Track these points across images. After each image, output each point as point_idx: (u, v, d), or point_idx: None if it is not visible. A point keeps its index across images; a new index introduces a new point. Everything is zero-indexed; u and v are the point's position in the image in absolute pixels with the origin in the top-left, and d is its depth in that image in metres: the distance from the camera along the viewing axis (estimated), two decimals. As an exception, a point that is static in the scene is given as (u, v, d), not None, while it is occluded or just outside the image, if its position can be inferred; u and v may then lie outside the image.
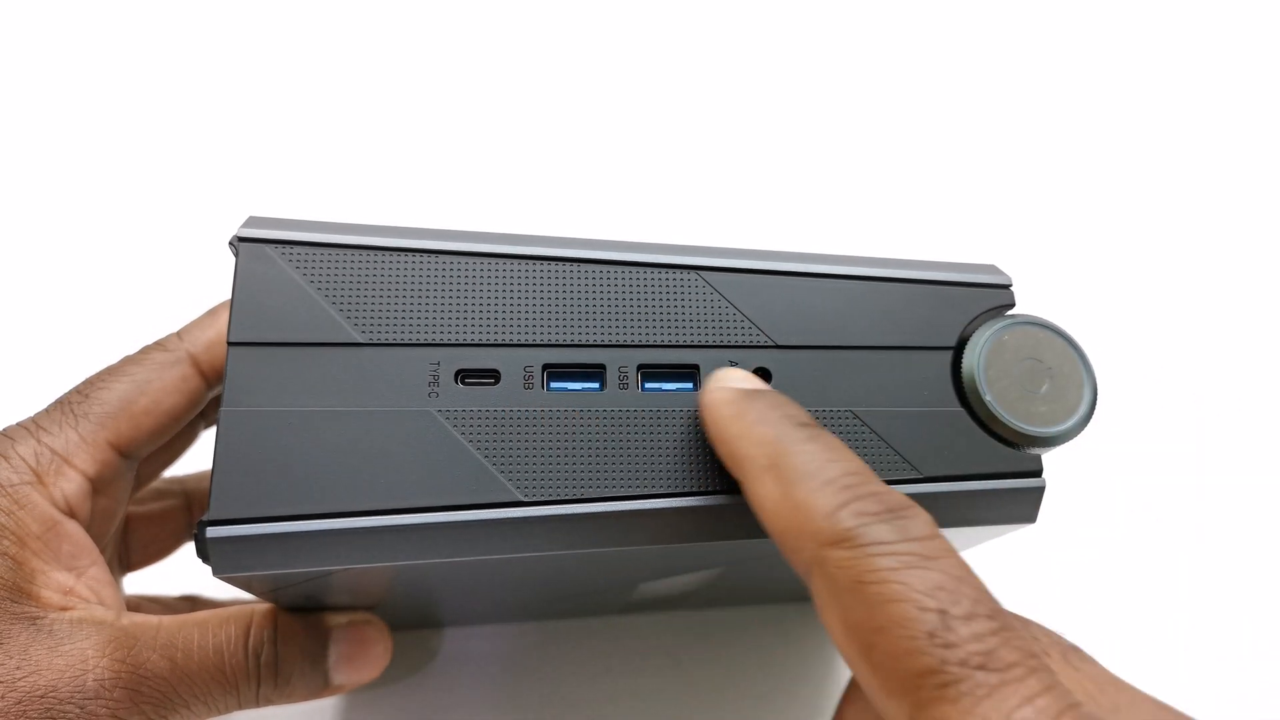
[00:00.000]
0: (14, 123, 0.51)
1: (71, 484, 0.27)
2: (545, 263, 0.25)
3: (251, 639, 0.27)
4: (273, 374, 0.23)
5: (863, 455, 0.24)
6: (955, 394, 0.25)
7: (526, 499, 0.23)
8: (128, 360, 0.29)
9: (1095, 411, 0.25)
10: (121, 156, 0.50)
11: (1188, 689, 0.38)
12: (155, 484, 0.34)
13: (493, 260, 0.25)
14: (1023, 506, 0.25)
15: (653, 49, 0.56)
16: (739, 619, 0.38)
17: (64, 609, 0.25)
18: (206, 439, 0.33)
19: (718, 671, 0.37)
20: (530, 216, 0.50)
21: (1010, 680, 0.17)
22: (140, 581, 0.34)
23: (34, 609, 0.25)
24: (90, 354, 0.31)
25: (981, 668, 0.17)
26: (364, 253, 0.24)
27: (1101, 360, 0.27)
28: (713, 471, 0.24)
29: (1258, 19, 0.58)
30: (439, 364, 0.24)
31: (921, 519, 0.19)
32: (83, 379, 0.28)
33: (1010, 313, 0.26)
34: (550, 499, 0.23)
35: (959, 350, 0.25)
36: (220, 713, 0.27)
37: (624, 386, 0.24)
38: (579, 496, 0.23)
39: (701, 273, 0.25)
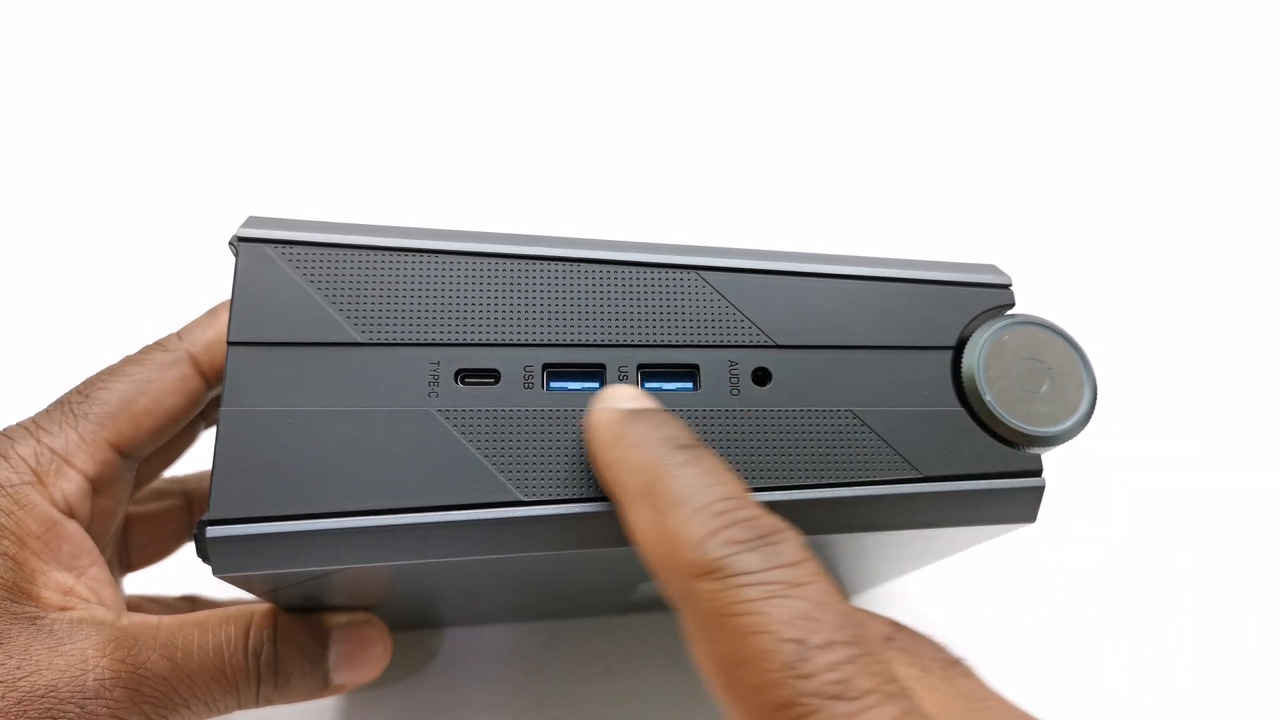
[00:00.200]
0: (14, 123, 0.51)
1: (71, 484, 0.27)
2: (545, 262, 0.25)
3: (251, 639, 0.27)
4: (273, 374, 0.23)
5: (862, 455, 0.24)
6: (955, 394, 0.25)
7: (526, 498, 0.23)
8: (128, 360, 0.29)
9: (1095, 411, 0.25)
10: (122, 157, 0.50)
11: (1188, 689, 0.38)
12: (155, 484, 0.34)
13: (493, 260, 0.25)
14: (1022, 506, 0.25)
15: (653, 49, 0.56)
16: (739, 619, 0.38)
17: (64, 609, 0.25)
18: (206, 439, 0.33)
19: (718, 671, 0.37)
20: (530, 216, 0.50)
21: (865, 708, 0.17)
22: (140, 582, 0.34)
23: (34, 609, 0.25)
24: (90, 354, 0.31)
25: (836, 697, 0.17)
26: (364, 252, 0.24)
27: (1101, 360, 0.27)
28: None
29: (1258, 19, 0.58)
30: (439, 364, 0.24)
31: (791, 544, 0.19)
32: (83, 379, 0.28)
33: (1010, 312, 0.26)
34: (550, 498, 0.23)
35: (959, 350, 0.25)
36: (220, 712, 0.27)
37: (624, 386, 0.24)
38: (579, 496, 0.23)
39: (701, 272, 0.25)
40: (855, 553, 0.28)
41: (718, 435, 0.24)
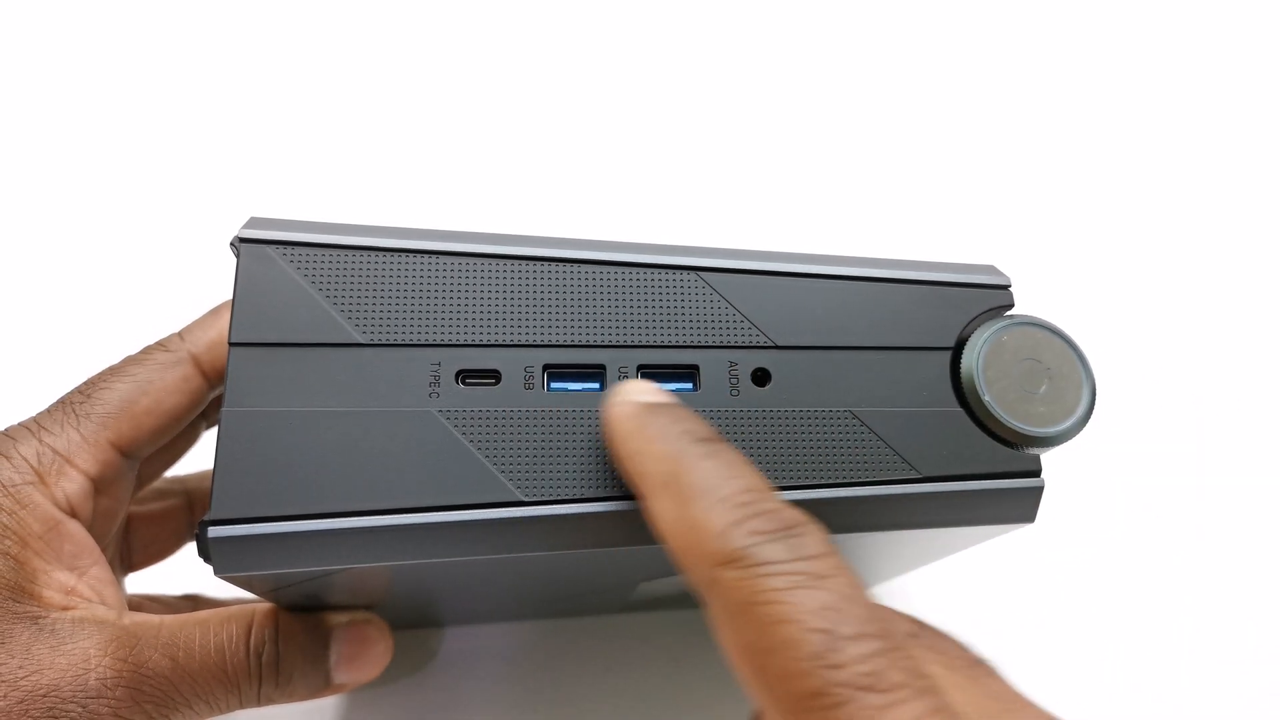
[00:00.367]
0: (15, 123, 0.51)
1: (73, 484, 0.27)
2: (546, 263, 0.25)
3: (253, 638, 0.27)
4: (274, 374, 0.23)
5: (862, 456, 0.24)
6: (954, 394, 0.25)
7: (527, 499, 0.23)
8: (129, 360, 0.29)
9: (1094, 412, 0.25)
10: (123, 157, 0.50)
11: (1188, 689, 0.38)
12: (157, 484, 0.34)
13: (493, 261, 0.25)
14: (1021, 506, 0.25)
15: (653, 49, 0.56)
16: (739, 619, 0.38)
17: (66, 608, 0.26)
18: (208, 439, 0.34)
19: (718, 671, 0.37)
20: (531, 217, 0.50)
21: (896, 702, 0.17)
22: (142, 581, 0.34)
23: (36, 608, 0.25)
24: (92, 354, 0.31)
25: (868, 689, 0.17)
26: (365, 253, 0.24)
27: (1100, 361, 0.27)
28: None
29: (1258, 19, 0.58)
30: (440, 364, 0.24)
31: (815, 536, 0.19)
32: (84, 379, 0.28)
33: (1009, 313, 0.26)
34: (550, 499, 0.23)
35: (958, 350, 0.25)
36: (221, 712, 0.27)
37: (624, 387, 0.24)
38: (579, 496, 0.23)
39: (701, 273, 0.25)
40: (855, 552, 0.28)
41: (717, 435, 0.24)
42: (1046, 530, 0.38)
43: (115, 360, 0.29)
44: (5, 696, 0.23)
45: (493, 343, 0.24)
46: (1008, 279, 0.27)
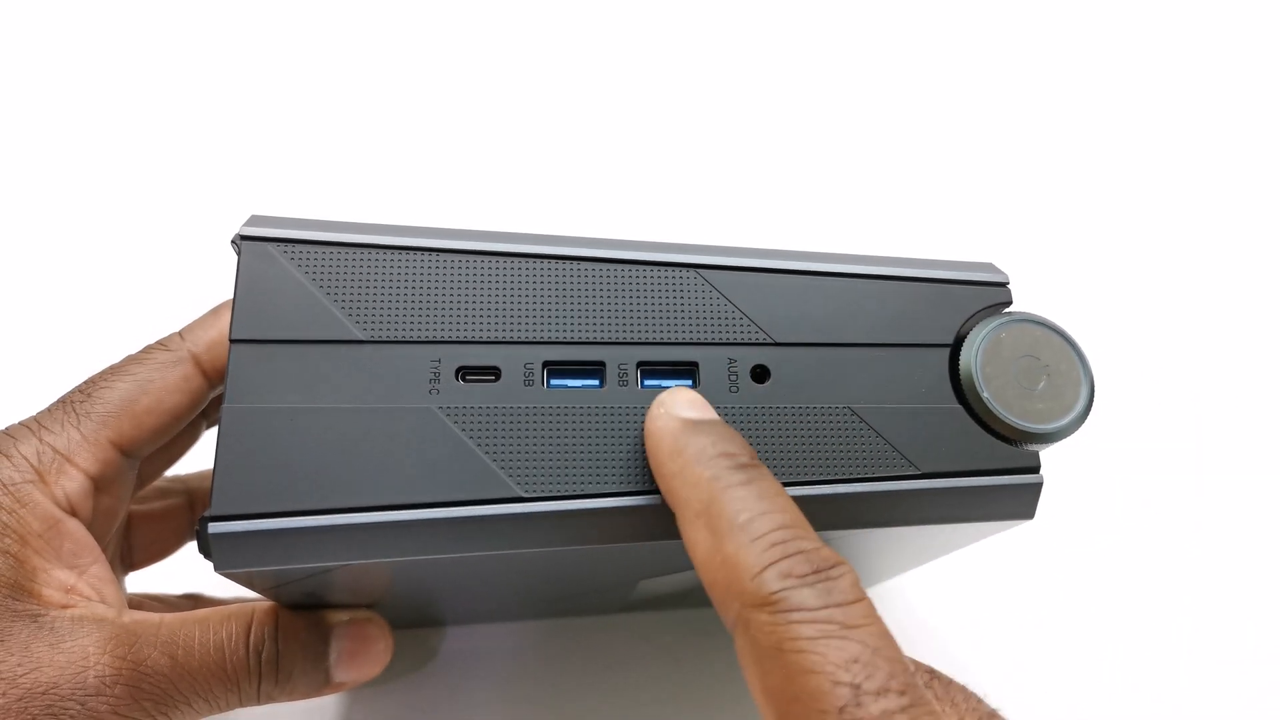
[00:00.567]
0: (15, 123, 0.51)
1: (73, 482, 0.27)
2: (546, 261, 0.25)
3: (253, 636, 0.27)
4: (275, 371, 0.23)
5: (861, 452, 0.24)
6: (953, 391, 0.25)
7: (527, 495, 0.23)
8: (130, 359, 0.29)
9: (1092, 408, 0.25)
10: (123, 157, 0.51)
11: (1188, 688, 0.38)
12: (157, 483, 0.34)
13: (493, 259, 0.25)
14: (1021, 503, 0.25)
15: (653, 49, 0.56)
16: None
17: (65, 607, 0.26)
18: (208, 438, 0.34)
19: (718, 671, 0.37)
20: (530, 215, 0.50)
21: None
22: (142, 580, 0.34)
23: (35, 607, 0.25)
24: (92, 353, 0.31)
25: None
26: (365, 251, 0.25)
27: (1098, 357, 0.27)
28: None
29: (1258, 19, 0.58)
30: (440, 361, 0.24)
31: (847, 580, 0.19)
32: (85, 378, 0.28)
33: (1007, 310, 0.26)
34: (550, 495, 0.23)
35: (956, 347, 0.25)
36: (221, 710, 0.27)
37: (624, 384, 0.24)
38: (579, 493, 0.23)
39: (700, 271, 0.25)
40: (853, 550, 0.28)
41: (717, 432, 0.24)
42: (1045, 527, 0.38)
43: (116, 359, 0.29)
44: (4, 694, 0.23)
45: (493, 339, 0.24)
46: (1006, 276, 0.27)
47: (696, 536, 0.20)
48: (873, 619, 0.19)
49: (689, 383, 0.25)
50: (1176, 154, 0.54)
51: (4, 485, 0.26)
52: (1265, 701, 0.38)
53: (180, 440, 0.32)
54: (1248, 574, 0.41)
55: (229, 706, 0.27)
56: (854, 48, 0.57)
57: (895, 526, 0.25)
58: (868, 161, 0.53)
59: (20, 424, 0.27)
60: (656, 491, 0.23)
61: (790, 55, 0.57)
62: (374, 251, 0.25)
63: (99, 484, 0.27)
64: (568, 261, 0.25)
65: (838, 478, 0.24)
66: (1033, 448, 0.25)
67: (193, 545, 0.34)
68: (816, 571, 0.19)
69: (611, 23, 0.57)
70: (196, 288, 0.34)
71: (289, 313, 0.24)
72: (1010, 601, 0.40)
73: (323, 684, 0.28)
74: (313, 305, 0.24)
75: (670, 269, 0.25)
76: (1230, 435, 0.45)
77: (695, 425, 0.22)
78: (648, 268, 0.25)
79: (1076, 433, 0.25)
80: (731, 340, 0.25)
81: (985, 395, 0.25)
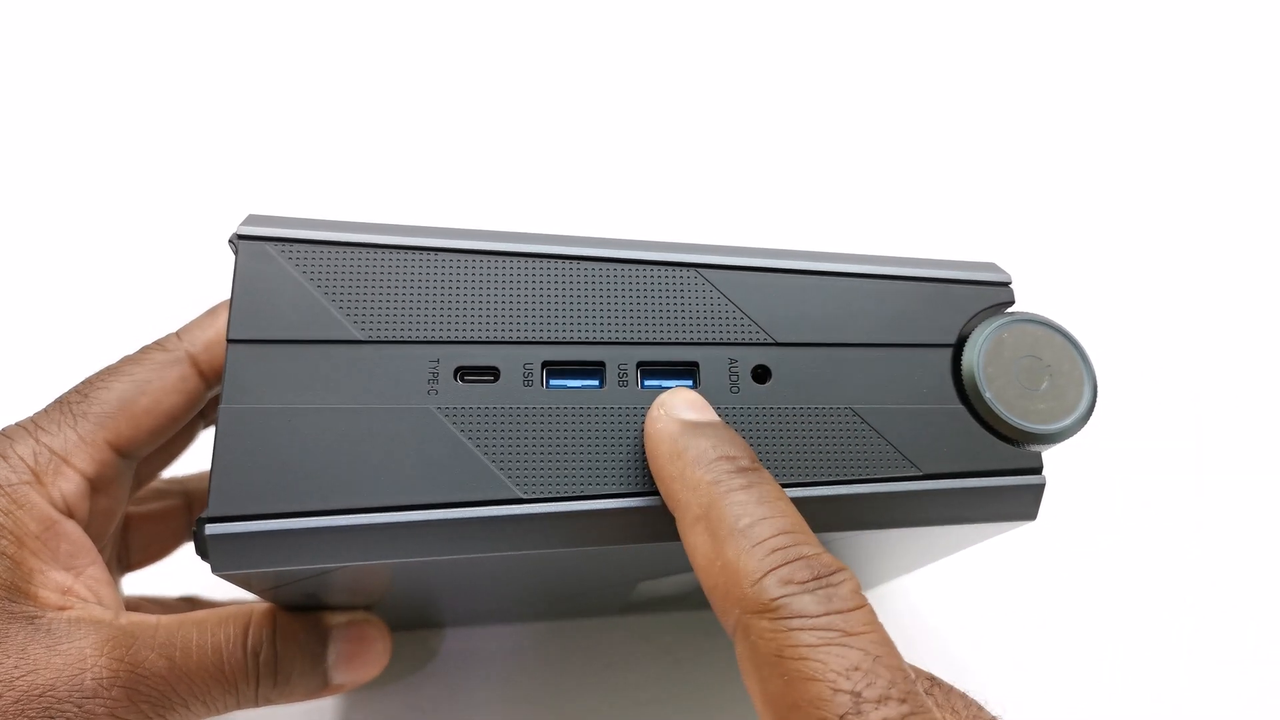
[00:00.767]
0: (14, 123, 0.51)
1: (70, 484, 0.27)
2: (545, 260, 0.25)
3: (250, 638, 0.26)
4: (272, 371, 0.23)
5: (862, 453, 0.24)
6: (955, 391, 0.25)
7: (526, 496, 0.23)
8: (127, 360, 0.29)
9: (1095, 409, 0.25)
10: (121, 156, 0.50)
11: (1188, 688, 0.38)
12: (154, 484, 0.34)
13: (493, 258, 0.25)
14: (1023, 504, 0.25)
15: (653, 48, 0.56)
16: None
17: (62, 608, 0.25)
18: (205, 439, 0.33)
19: (718, 671, 0.37)
20: (530, 215, 0.50)
21: None
22: (140, 582, 0.34)
23: (32, 608, 0.25)
24: (90, 354, 0.30)
25: None
26: (364, 250, 0.24)
27: (1101, 358, 0.27)
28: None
29: (1258, 19, 0.58)
30: (439, 361, 0.24)
31: (848, 586, 0.19)
32: (82, 379, 0.28)
33: (1010, 310, 0.26)
34: (549, 496, 0.23)
35: (959, 348, 0.25)
36: (219, 712, 0.27)
37: (623, 384, 0.24)
38: (578, 494, 0.23)
39: (701, 270, 0.25)
40: (855, 551, 0.28)
41: (717, 433, 0.24)
42: (1048, 528, 0.38)
43: (113, 360, 0.29)
44: (1, 696, 0.23)
45: (492, 339, 0.24)
46: (1008, 276, 0.26)
47: (696, 541, 0.20)
48: (874, 626, 0.19)
49: (689, 383, 0.24)
50: (1177, 154, 0.54)
51: (1, 487, 0.26)
52: (1265, 701, 0.38)
53: (177, 441, 0.32)
54: (1248, 574, 0.41)
55: (227, 709, 0.27)
56: (854, 47, 0.57)
57: (897, 528, 0.25)
58: (869, 161, 0.53)
59: (17, 425, 0.27)
60: (656, 493, 0.23)
61: (790, 55, 0.56)
62: (372, 251, 0.24)
63: (96, 485, 0.27)
64: (567, 261, 0.25)
65: (839, 479, 0.24)
66: (1035, 448, 0.25)
67: (190, 547, 0.34)
68: (817, 578, 0.19)
69: (611, 22, 0.57)
70: (194, 288, 0.34)
71: (287, 313, 0.23)
72: (1012, 603, 0.40)
73: (321, 686, 0.28)
74: (311, 305, 0.24)
75: (671, 268, 0.25)
76: (1230, 435, 0.45)
77: (695, 427, 0.22)
78: (648, 267, 0.25)
79: (1079, 433, 0.25)
80: (732, 340, 0.25)
81: (987, 395, 0.24)
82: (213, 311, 0.30)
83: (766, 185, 0.52)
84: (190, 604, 0.34)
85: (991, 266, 0.27)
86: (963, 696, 0.22)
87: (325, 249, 0.24)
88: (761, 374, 0.25)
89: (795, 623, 0.18)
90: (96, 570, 0.27)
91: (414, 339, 0.24)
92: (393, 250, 0.24)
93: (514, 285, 0.25)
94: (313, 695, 0.29)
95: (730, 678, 0.37)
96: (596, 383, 0.24)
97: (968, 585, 0.40)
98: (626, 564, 0.27)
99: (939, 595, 0.40)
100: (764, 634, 0.18)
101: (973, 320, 0.26)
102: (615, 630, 0.38)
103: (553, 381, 0.24)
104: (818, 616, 0.18)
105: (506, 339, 0.24)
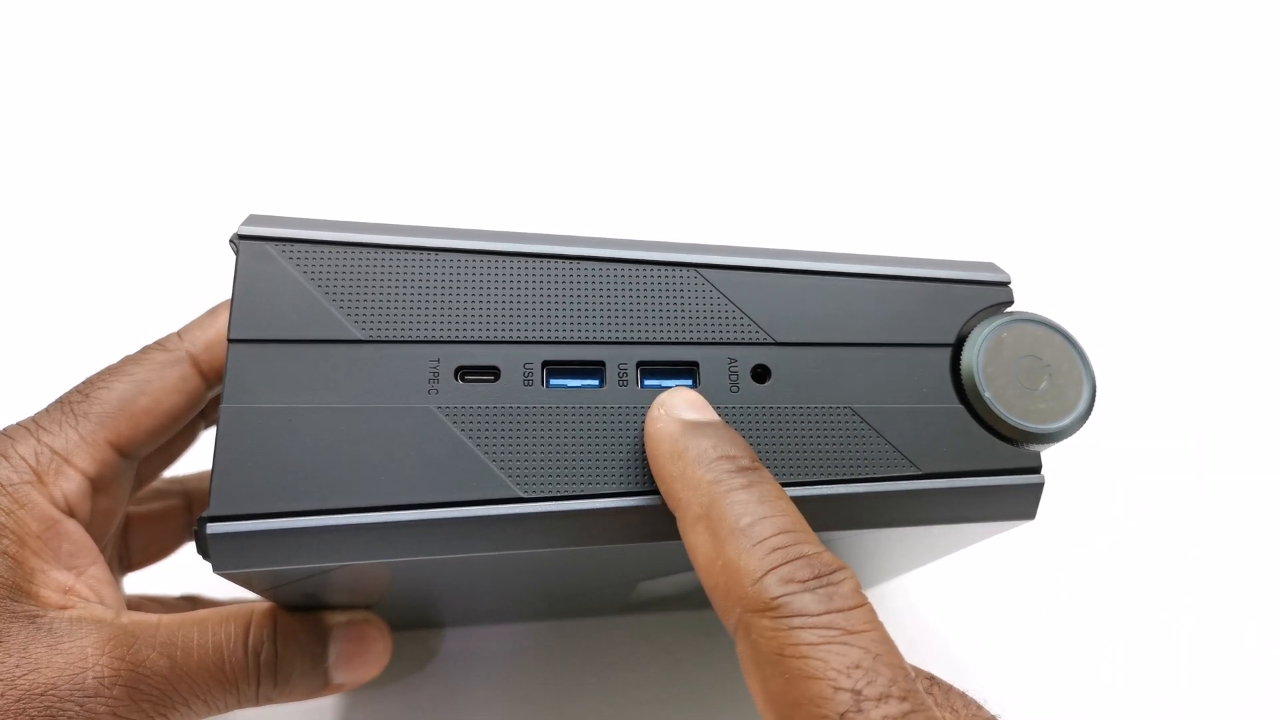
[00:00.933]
0: (14, 123, 0.51)
1: (71, 483, 0.27)
2: (545, 260, 0.25)
3: (251, 637, 0.27)
4: (273, 371, 0.23)
5: (862, 452, 0.24)
6: (954, 391, 0.25)
7: (526, 495, 0.23)
8: (128, 360, 0.29)
9: (1094, 408, 0.25)
10: (121, 156, 0.50)
11: (1188, 688, 0.38)
12: (155, 484, 0.34)
13: (493, 258, 0.25)
14: (1022, 503, 0.25)
15: (652, 48, 0.56)
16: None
17: (63, 608, 0.25)
18: (206, 439, 0.34)
19: (718, 671, 0.37)
20: (530, 215, 0.50)
21: None
22: (141, 582, 0.34)
23: (33, 608, 0.25)
24: (90, 354, 0.31)
25: None
26: (364, 250, 0.24)
27: (1100, 357, 0.27)
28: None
29: (1258, 19, 0.58)
30: (439, 361, 0.24)
31: (848, 585, 0.19)
32: (83, 379, 0.28)
33: (1009, 310, 0.26)
34: (549, 495, 0.23)
35: (958, 347, 0.25)
36: (220, 711, 0.27)
37: (623, 383, 0.24)
38: (578, 493, 0.23)
39: (701, 270, 0.25)
40: (855, 550, 0.28)
41: (717, 432, 0.24)
42: (1047, 528, 0.38)
43: (114, 360, 0.29)
44: (3, 695, 0.23)
45: (492, 339, 0.24)
46: (1007, 276, 0.27)
47: (697, 540, 0.20)
48: (874, 624, 0.19)
49: (689, 382, 0.24)
50: (1177, 154, 0.54)
51: (2, 486, 0.26)
52: (1265, 701, 0.38)
53: (178, 441, 0.32)
54: (1248, 574, 0.41)
55: (227, 708, 0.27)
56: (854, 47, 0.57)
57: (896, 527, 0.25)
58: (868, 161, 0.53)
59: (18, 425, 0.27)
60: (656, 492, 0.23)
61: (790, 55, 0.56)
62: (373, 251, 0.24)
63: (97, 485, 0.27)
64: (567, 261, 0.25)
65: (838, 478, 0.24)
66: (1034, 448, 0.25)
67: (191, 546, 0.34)
68: (818, 577, 0.19)
69: (611, 22, 0.57)
70: (194, 288, 0.34)
71: (287, 312, 0.24)
72: (1012, 602, 0.40)
73: (321, 685, 0.28)
74: (311, 305, 0.24)
75: (670, 268, 0.25)
76: (1230, 435, 0.45)
77: (696, 427, 0.22)
78: (648, 267, 0.25)
79: (1078, 433, 0.25)
80: (732, 340, 0.25)
81: (987, 395, 0.24)
82: (213, 311, 0.30)
83: (766, 185, 0.52)
84: (191, 603, 0.34)
85: (991, 266, 0.27)
86: (961, 695, 0.22)
87: (326, 249, 0.24)
88: (761, 374, 0.25)
89: (796, 621, 0.18)
90: (98, 570, 0.27)
91: (414, 339, 0.24)
92: (393, 250, 0.25)
93: (514, 285, 0.25)
94: (313, 695, 0.29)
95: (730, 677, 0.37)
96: (596, 382, 0.24)
97: (967, 585, 0.40)
98: (626, 564, 0.28)
99: (939, 595, 0.40)
100: (765, 633, 0.19)
101: (972, 320, 0.26)
102: (615, 630, 0.38)
103: (553, 381, 0.24)
104: (818, 615, 0.18)
105: (507, 339, 0.24)
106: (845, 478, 0.24)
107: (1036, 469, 0.25)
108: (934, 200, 0.52)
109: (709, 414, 0.23)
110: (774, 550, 0.19)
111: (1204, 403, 0.46)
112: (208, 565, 0.22)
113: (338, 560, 0.22)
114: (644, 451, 0.23)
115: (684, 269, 0.25)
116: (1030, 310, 0.26)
